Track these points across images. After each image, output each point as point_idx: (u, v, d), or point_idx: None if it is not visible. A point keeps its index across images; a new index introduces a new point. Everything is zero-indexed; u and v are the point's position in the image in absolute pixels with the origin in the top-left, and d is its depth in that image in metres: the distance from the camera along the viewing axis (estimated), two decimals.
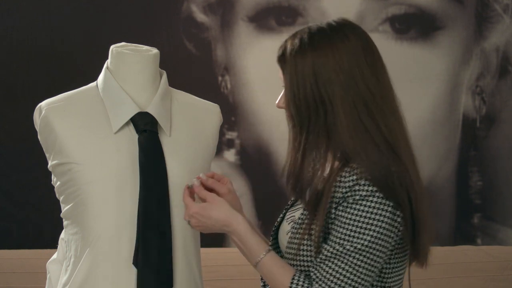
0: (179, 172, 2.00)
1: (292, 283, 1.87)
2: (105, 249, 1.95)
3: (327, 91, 1.87)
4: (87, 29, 3.54)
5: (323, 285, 1.85)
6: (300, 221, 1.95)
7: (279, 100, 1.95)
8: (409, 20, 3.68)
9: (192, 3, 3.61)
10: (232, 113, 3.63)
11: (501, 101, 3.75)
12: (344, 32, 1.93)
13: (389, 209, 1.85)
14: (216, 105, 2.18)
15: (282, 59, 1.92)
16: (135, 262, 1.94)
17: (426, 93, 3.70)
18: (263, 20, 3.64)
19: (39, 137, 2.04)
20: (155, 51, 2.06)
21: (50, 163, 2.01)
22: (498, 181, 3.77)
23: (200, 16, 3.62)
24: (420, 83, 3.69)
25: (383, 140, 1.89)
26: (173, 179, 1.99)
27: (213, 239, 3.17)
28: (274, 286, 1.90)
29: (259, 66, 3.63)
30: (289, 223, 2.01)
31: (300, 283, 1.87)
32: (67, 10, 3.54)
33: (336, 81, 1.87)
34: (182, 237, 2.00)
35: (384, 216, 1.84)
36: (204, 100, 2.17)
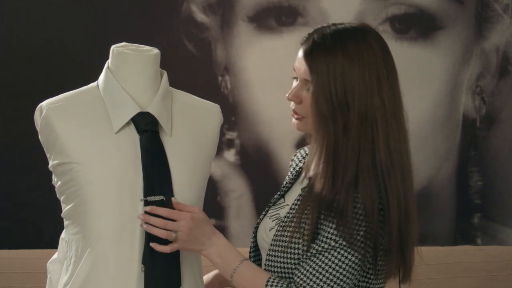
0: (180, 172, 2.00)
1: (267, 284, 1.91)
2: (106, 249, 1.95)
3: (349, 98, 1.89)
4: (88, 29, 3.54)
5: (304, 278, 1.87)
6: (286, 219, 1.97)
7: (291, 93, 1.97)
8: (409, 20, 3.67)
9: (192, 3, 3.61)
10: (232, 113, 3.63)
11: (501, 101, 3.75)
12: (369, 42, 1.95)
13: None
14: (216, 105, 2.18)
15: (311, 56, 1.94)
16: (144, 261, 1.94)
17: (426, 93, 3.70)
18: (263, 20, 3.64)
19: (39, 137, 2.04)
20: (155, 51, 2.06)
21: (50, 163, 2.01)
22: (498, 181, 3.77)
23: (200, 16, 3.62)
24: (420, 83, 3.68)
25: (379, 158, 1.90)
26: (175, 179, 1.99)
27: None
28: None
29: (259, 66, 3.63)
30: (273, 220, 2.04)
31: (275, 283, 1.90)
32: (68, 10, 3.54)
33: (357, 90, 1.90)
34: None
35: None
36: (204, 100, 2.17)
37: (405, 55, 3.65)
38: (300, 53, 1.98)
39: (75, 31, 3.54)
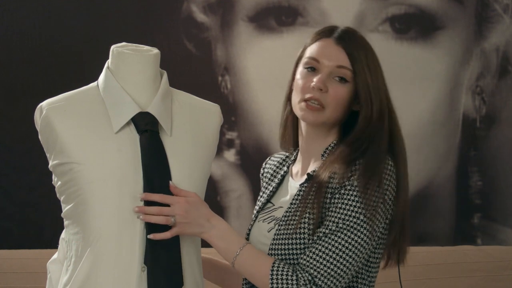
0: (180, 172, 2.00)
1: (272, 267, 1.91)
2: (106, 249, 1.95)
3: (380, 89, 2.02)
4: (88, 29, 3.54)
5: (311, 260, 1.89)
6: (287, 213, 1.99)
7: (319, 81, 2.00)
8: (409, 20, 3.67)
9: (192, 3, 3.61)
10: (232, 113, 3.63)
11: (501, 101, 3.75)
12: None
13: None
14: (216, 105, 2.18)
15: (349, 43, 2.01)
16: (146, 261, 1.94)
17: (426, 93, 3.70)
18: (263, 20, 3.63)
19: (39, 137, 2.04)
20: (155, 51, 2.06)
21: (50, 163, 2.01)
22: (498, 181, 3.77)
23: (200, 16, 3.62)
24: (420, 83, 3.68)
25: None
26: (175, 179, 1.99)
27: None
28: (254, 274, 1.94)
29: (259, 66, 3.63)
30: (268, 223, 2.06)
31: (281, 268, 1.91)
32: (68, 10, 3.54)
33: (382, 84, 2.03)
34: (183, 237, 2.00)
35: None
36: (204, 100, 2.17)
37: (405, 55, 3.65)
38: (329, 42, 2.02)
39: (75, 31, 3.54)
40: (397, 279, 2.10)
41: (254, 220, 2.13)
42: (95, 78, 2.09)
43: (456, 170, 3.75)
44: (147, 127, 1.99)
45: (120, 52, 2.04)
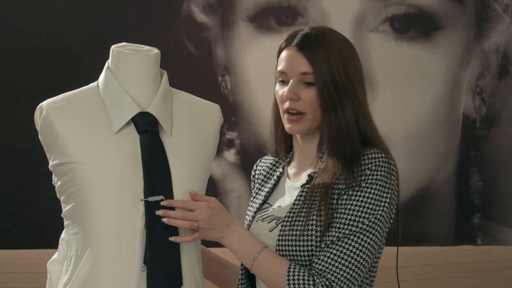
0: (181, 172, 2.00)
1: (289, 270, 1.94)
2: (106, 249, 1.95)
3: (353, 80, 2.04)
4: (88, 29, 3.54)
5: (326, 265, 1.92)
6: (291, 214, 2.01)
7: (289, 91, 2.04)
8: (409, 20, 3.67)
9: (192, 3, 3.61)
10: (232, 113, 3.63)
11: (501, 101, 3.75)
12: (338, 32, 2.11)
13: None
14: (216, 105, 2.18)
15: (307, 48, 2.04)
16: (145, 261, 1.94)
17: (426, 93, 3.70)
18: (263, 20, 3.63)
19: (39, 137, 2.04)
20: (155, 51, 2.06)
21: (50, 163, 2.01)
22: (498, 181, 3.77)
23: (200, 16, 3.62)
24: (420, 83, 3.68)
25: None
26: (175, 179, 1.99)
27: None
28: (271, 278, 1.97)
29: (259, 66, 3.63)
30: (269, 222, 2.07)
31: (297, 271, 1.94)
32: (68, 10, 3.54)
33: (354, 73, 2.05)
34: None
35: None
36: (204, 100, 2.17)
37: (405, 55, 3.65)
38: (291, 50, 2.07)
39: (75, 31, 3.54)
40: (396, 279, 2.11)
41: (252, 220, 2.14)
42: (95, 78, 2.09)
43: (456, 170, 3.75)
44: (147, 127, 1.99)
45: (120, 52, 2.04)
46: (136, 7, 3.58)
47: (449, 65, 3.72)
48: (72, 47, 3.54)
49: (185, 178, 2.01)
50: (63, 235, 2.09)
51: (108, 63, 2.06)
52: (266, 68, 3.62)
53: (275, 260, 1.98)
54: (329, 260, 1.94)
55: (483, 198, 3.77)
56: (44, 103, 2.03)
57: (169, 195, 1.97)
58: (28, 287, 3.19)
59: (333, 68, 2.01)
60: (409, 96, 3.64)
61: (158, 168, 1.97)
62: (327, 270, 1.93)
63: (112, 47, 2.07)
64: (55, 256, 2.15)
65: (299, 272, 1.95)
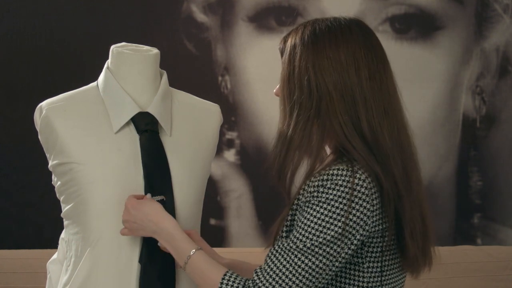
0: (180, 172, 2.00)
1: (223, 279, 1.80)
2: (106, 249, 1.95)
3: (322, 77, 1.84)
4: (87, 29, 3.54)
5: (262, 278, 1.78)
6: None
7: (277, 89, 1.96)
8: (409, 20, 3.67)
9: (192, 3, 3.61)
10: (232, 113, 3.63)
11: (501, 101, 3.75)
12: (349, 26, 1.95)
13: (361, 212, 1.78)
14: (216, 105, 2.18)
15: (283, 40, 1.93)
16: (140, 259, 1.94)
17: (426, 93, 3.70)
18: (263, 20, 3.64)
19: (39, 137, 2.04)
20: (155, 51, 2.06)
21: (50, 163, 2.01)
22: (498, 181, 3.77)
23: (200, 16, 3.62)
24: (420, 83, 3.69)
25: (364, 138, 1.84)
26: (175, 178, 1.99)
27: (213, 238, 3.17)
28: (203, 283, 1.82)
29: (259, 66, 3.63)
30: None
31: (232, 279, 1.80)
32: (67, 10, 3.54)
33: (327, 65, 1.84)
34: None
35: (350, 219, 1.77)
36: (204, 100, 2.17)
37: (405, 55, 3.66)
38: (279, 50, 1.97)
39: (75, 31, 3.54)
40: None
41: None
42: (95, 78, 2.09)
43: (456, 170, 3.75)
44: (147, 127, 1.99)
45: (120, 52, 2.04)
46: (136, 7, 3.58)
47: (449, 65, 3.72)
48: (72, 47, 3.54)
49: (184, 178, 2.01)
50: (62, 235, 2.09)
51: (108, 63, 2.06)
52: (266, 68, 3.62)
53: (206, 266, 1.83)
54: (265, 273, 1.78)
55: (483, 198, 3.77)
56: (44, 103, 2.03)
57: (169, 195, 1.97)
58: (28, 287, 3.20)
59: (295, 57, 1.87)
60: (409, 96, 3.64)
61: (158, 168, 1.97)
62: (260, 284, 1.77)
63: (112, 47, 2.07)
64: (54, 256, 2.15)
65: (234, 280, 1.79)
